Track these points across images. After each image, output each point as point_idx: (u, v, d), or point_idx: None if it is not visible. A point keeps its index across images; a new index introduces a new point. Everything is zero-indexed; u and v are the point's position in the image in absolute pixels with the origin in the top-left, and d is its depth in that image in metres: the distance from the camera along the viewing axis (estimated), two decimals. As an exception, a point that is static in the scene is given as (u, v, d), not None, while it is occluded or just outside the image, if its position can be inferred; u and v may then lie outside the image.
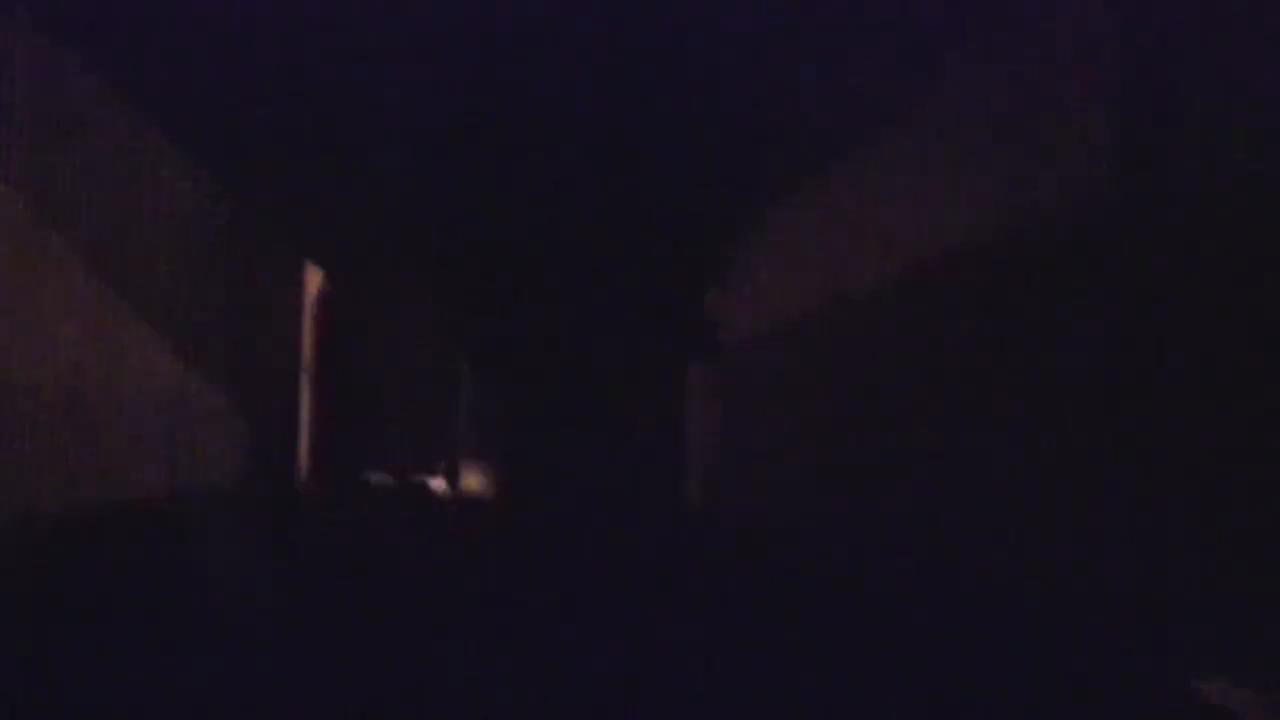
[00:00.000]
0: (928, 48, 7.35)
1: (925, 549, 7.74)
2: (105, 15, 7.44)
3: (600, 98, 8.25)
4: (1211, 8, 5.12)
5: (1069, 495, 5.92)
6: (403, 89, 8.50)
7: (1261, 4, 4.89)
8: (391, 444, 17.82)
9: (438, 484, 17.88)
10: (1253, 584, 4.65)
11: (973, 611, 6.62)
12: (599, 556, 11.09)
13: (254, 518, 13.67)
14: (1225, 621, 4.74)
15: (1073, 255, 5.96)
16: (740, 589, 8.52)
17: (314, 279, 17.33)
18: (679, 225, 13.81)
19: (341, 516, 15.51)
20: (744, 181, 11.58)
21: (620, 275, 16.27)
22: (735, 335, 15.15)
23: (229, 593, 7.91)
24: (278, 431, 15.72)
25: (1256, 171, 4.81)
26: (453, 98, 8.54)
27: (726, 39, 7.12)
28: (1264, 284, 4.75)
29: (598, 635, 6.53)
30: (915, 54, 7.46)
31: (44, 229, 7.80)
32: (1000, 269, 6.86)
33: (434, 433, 18.09)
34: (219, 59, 8.07)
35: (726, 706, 5.04)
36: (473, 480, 18.65)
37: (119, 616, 6.95)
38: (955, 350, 7.59)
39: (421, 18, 7.13)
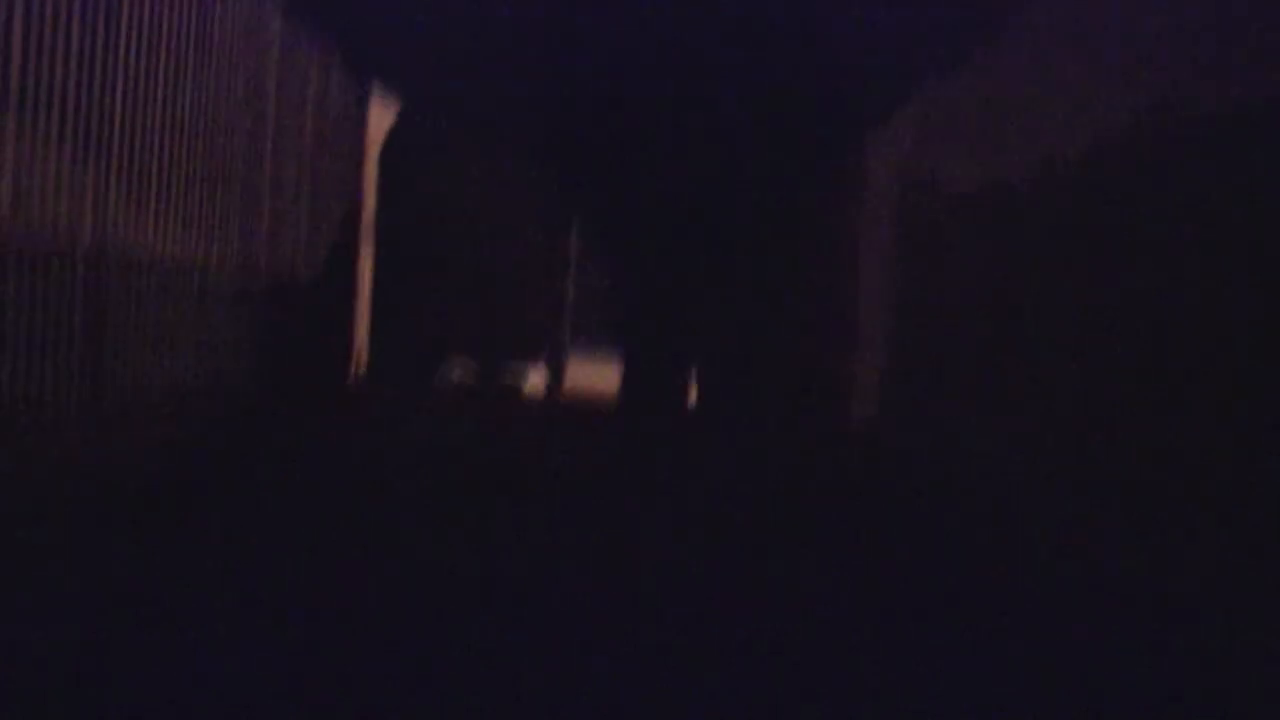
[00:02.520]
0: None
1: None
2: None
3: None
4: None
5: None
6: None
7: None
8: (479, 331, 14.03)
9: (536, 382, 14.08)
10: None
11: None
12: (732, 482, 9.42)
13: (292, 419, 10.04)
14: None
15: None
16: (897, 523, 7.89)
17: (381, 115, 13.42)
18: (830, 96, 12.11)
19: (407, 418, 11.85)
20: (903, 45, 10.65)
21: (772, 135, 12.46)
22: (891, 226, 11.38)
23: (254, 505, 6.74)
24: (326, 311, 11.99)
25: None
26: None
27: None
28: None
29: (724, 576, 5.89)
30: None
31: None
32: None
33: (535, 319, 14.27)
34: None
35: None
36: (582, 380, 14.88)
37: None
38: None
39: None
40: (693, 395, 13.47)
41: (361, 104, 12.80)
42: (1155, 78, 6.86)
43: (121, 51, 7.07)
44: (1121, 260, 7.14)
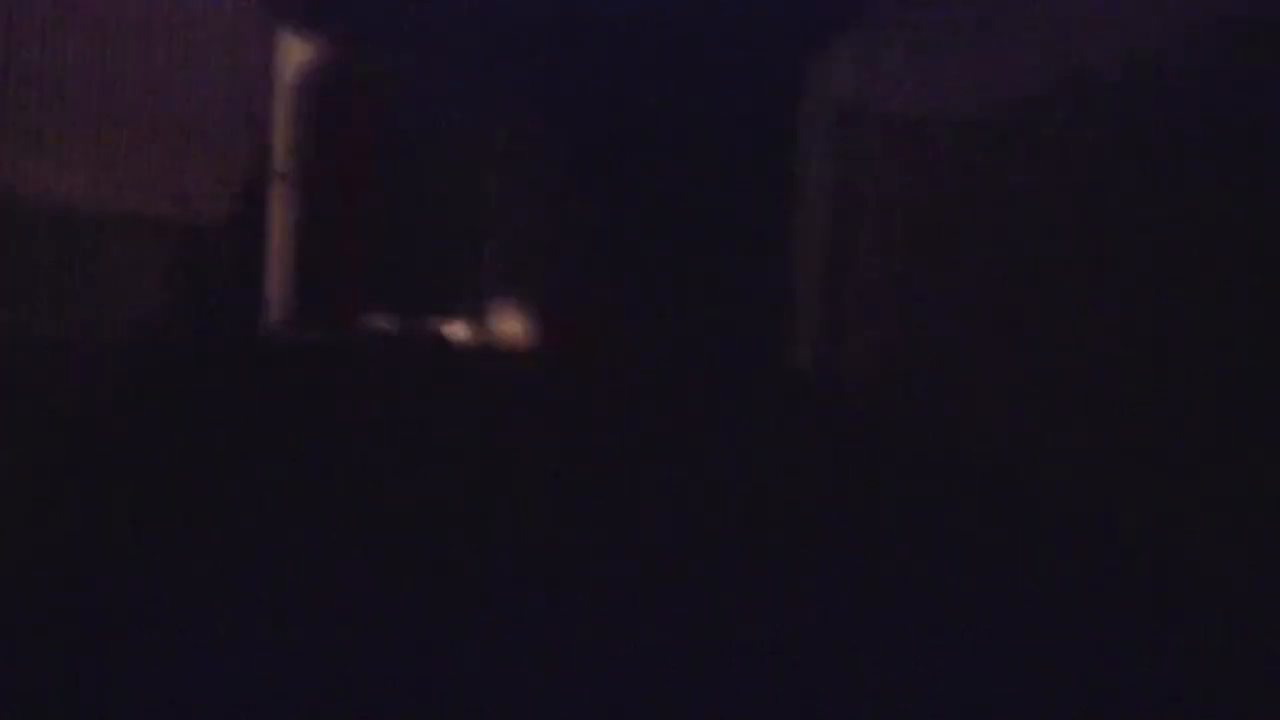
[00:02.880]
0: None
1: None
2: None
3: None
4: None
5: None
6: None
7: None
8: (399, 277, 13.34)
9: (459, 330, 13.42)
10: None
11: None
12: (676, 430, 8.88)
13: (197, 372, 9.36)
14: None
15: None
16: (853, 471, 7.39)
17: (292, 43, 12.67)
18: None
19: (323, 370, 11.20)
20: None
21: (730, 54, 11.75)
22: (863, 153, 10.77)
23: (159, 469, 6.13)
24: (233, 258, 11.26)
25: None
26: None
27: None
28: None
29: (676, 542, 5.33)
30: None
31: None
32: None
33: (459, 263, 13.59)
34: None
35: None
36: (509, 327, 14.23)
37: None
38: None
39: None
40: (626, 346, 12.86)
41: (270, 34, 12.04)
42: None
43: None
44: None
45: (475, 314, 13.71)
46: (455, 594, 4.59)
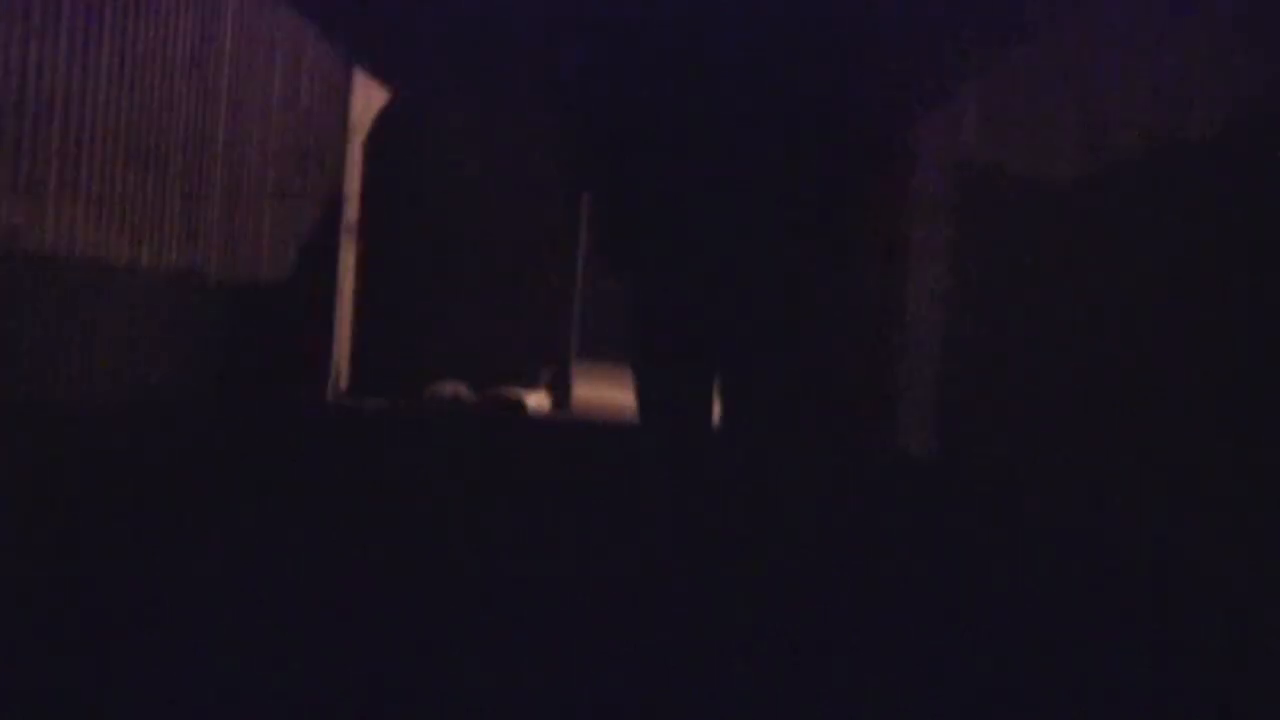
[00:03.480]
0: None
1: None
2: None
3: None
4: None
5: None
6: None
7: None
8: (477, 340, 12.40)
9: (538, 400, 12.43)
10: None
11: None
12: (773, 515, 7.55)
13: (258, 445, 8.49)
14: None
15: None
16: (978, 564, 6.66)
17: (367, 94, 11.77)
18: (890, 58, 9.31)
19: (391, 439, 10.25)
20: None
21: (819, 117, 10.73)
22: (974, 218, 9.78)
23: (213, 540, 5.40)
24: (300, 318, 10.36)
25: None
26: None
27: None
28: None
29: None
30: None
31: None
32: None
33: (539, 329, 12.65)
34: None
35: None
36: (591, 398, 13.20)
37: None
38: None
39: None
40: (718, 412, 11.78)
41: (345, 79, 11.16)
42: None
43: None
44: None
45: (558, 380, 12.73)
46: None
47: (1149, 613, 5.61)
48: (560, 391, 12.77)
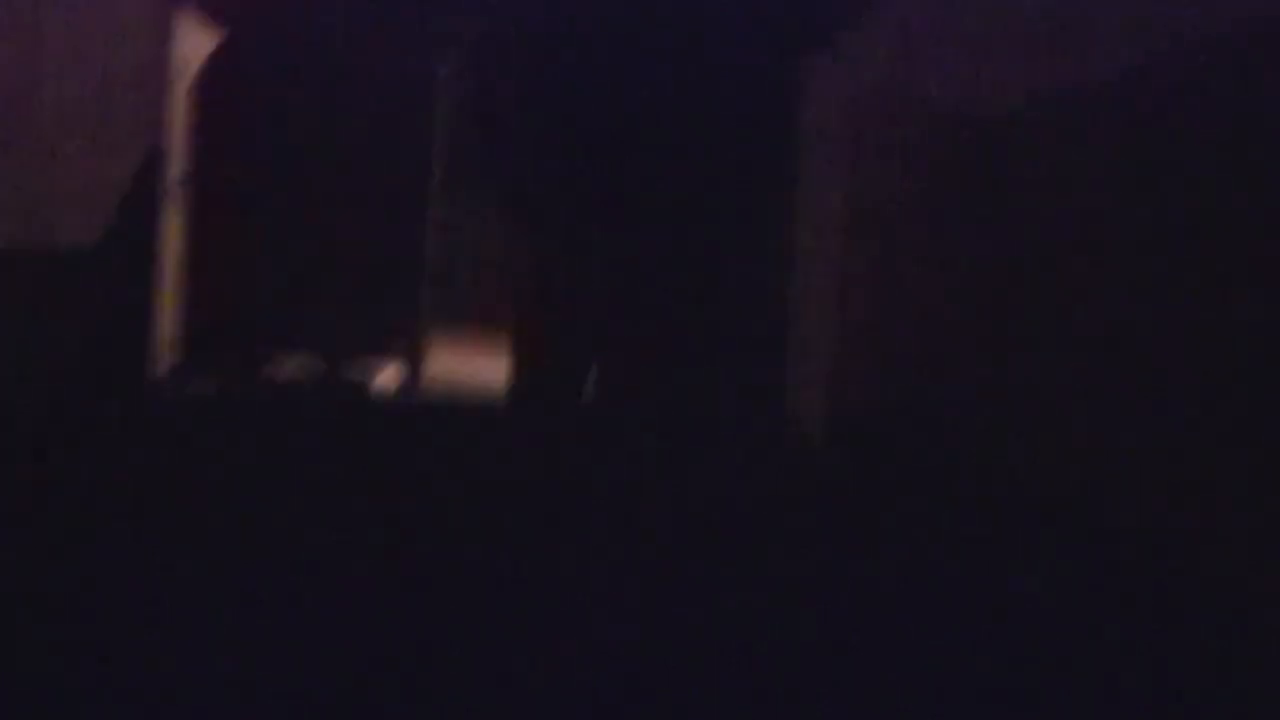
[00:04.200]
0: None
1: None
2: None
3: None
4: None
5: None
6: None
7: None
8: (317, 314, 11.16)
9: (388, 376, 11.22)
10: None
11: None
12: (653, 492, 7.70)
13: (67, 437, 7.69)
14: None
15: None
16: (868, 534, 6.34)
17: (193, 34, 10.41)
18: None
19: (222, 427, 9.22)
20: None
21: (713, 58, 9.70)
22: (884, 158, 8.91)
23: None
24: (114, 288, 9.09)
25: None
26: None
27: None
28: None
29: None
30: None
31: None
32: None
33: (390, 296, 11.45)
34: None
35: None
36: (447, 370, 12.02)
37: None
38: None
39: None
40: (592, 389, 10.73)
41: (165, 15, 9.79)
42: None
43: None
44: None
45: (412, 355, 11.52)
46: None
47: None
48: (413, 365, 11.57)
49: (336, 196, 11.08)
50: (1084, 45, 6.57)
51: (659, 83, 9.75)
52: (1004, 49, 7.45)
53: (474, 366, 12.61)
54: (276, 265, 10.90)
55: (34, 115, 7.46)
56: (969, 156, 8.15)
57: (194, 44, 10.43)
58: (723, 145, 10.13)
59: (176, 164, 10.28)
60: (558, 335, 10.43)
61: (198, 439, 8.86)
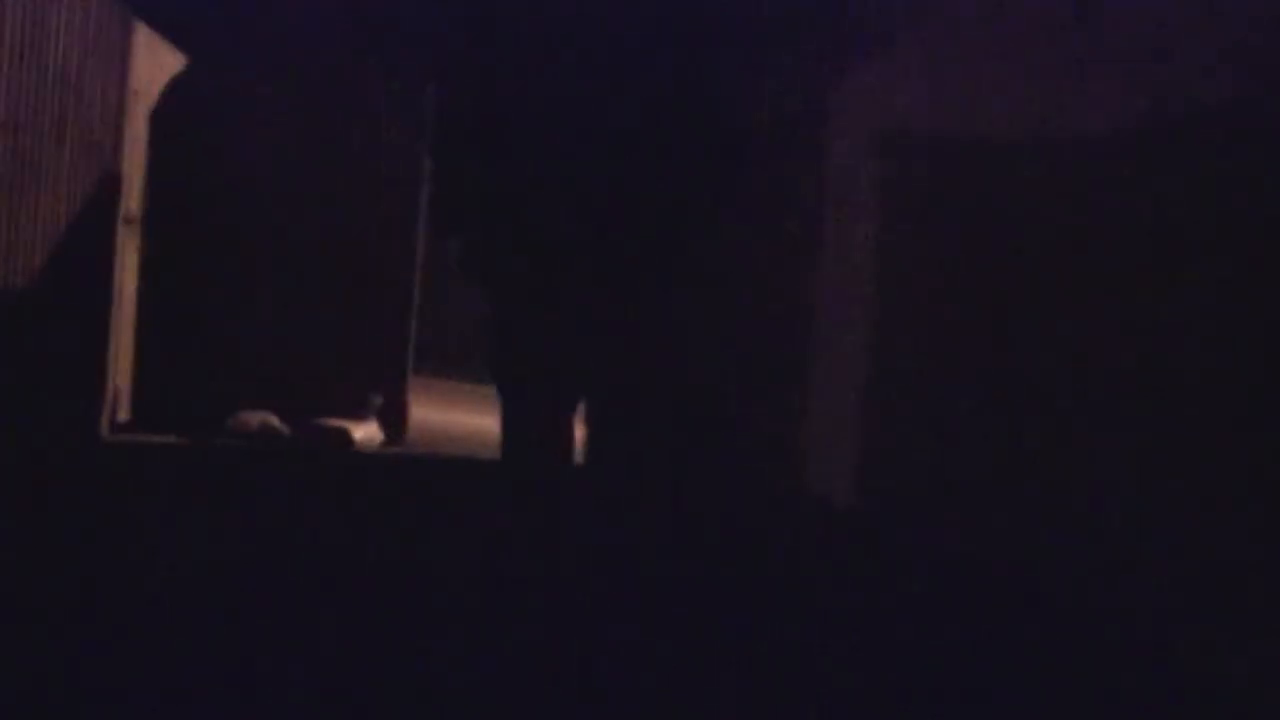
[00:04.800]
0: None
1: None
2: None
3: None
4: None
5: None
6: None
7: None
8: (291, 361, 10.28)
9: (368, 431, 10.33)
10: None
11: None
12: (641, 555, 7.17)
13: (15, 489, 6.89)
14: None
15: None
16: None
17: (154, 56, 9.55)
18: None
19: (179, 490, 8.23)
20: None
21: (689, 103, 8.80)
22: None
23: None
24: (65, 332, 8.22)
25: None
26: None
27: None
28: None
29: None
30: None
31: None
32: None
33: (368, 345, 10.60)
34: None
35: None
36: (431, 423, 11.17)
37: None
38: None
39: None
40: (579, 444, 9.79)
41: (124, 36, 8.93)
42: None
43: None
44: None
45: (391, 405, 10.61)
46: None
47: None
48: (395, 419, 10.66)
49: (311, 232, 10.19)
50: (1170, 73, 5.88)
51: (647, 110, 8.81)
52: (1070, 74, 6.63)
53: (459, 416, 11.76)
54: (242, 309, 10.00)
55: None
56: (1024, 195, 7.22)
57: (155, 66, 9.58)
58: (714, 188, 9.24)
59: (134, 196, 9.42)
60: (543, 386, 9.48)
61: (150, 494, 8.00)
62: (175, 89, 9.92)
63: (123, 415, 9.50)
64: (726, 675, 5.04)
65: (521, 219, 8.58)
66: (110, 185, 8.83)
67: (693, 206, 8.86)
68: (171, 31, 9.65)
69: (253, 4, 9.92)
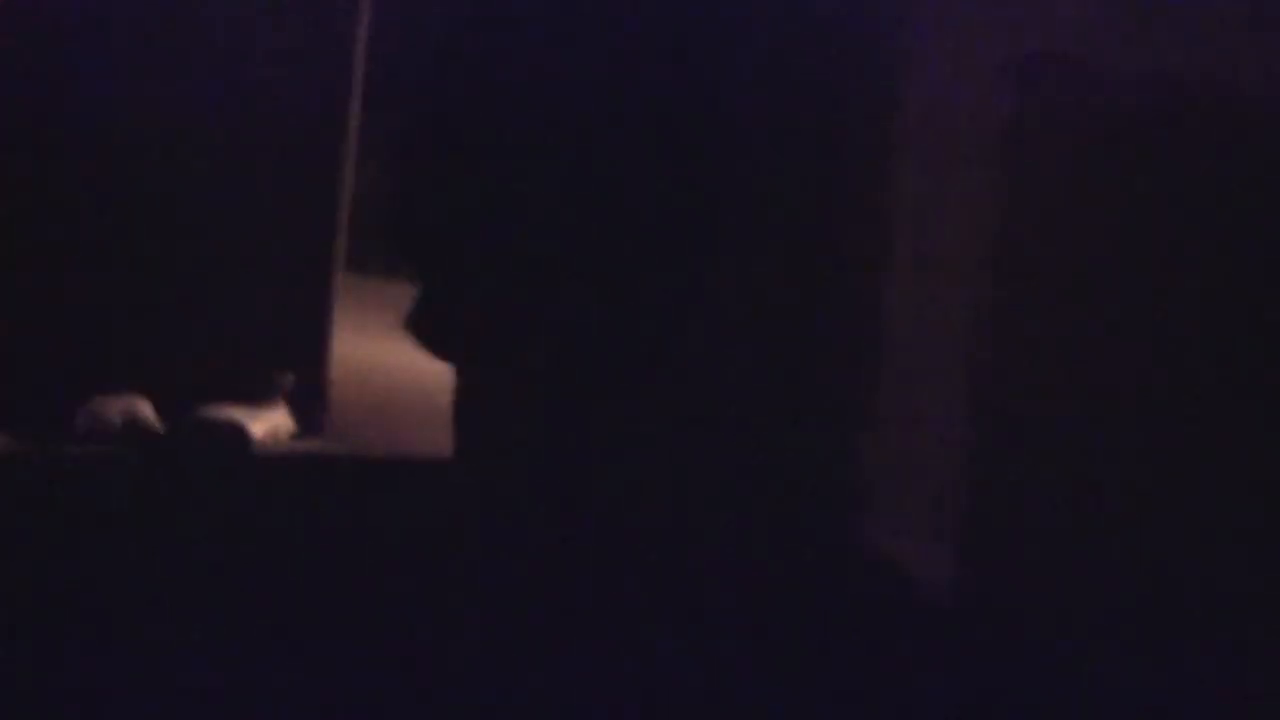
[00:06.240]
0: None
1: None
2: None
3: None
4: None
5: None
6: None
7: None
8: (167, 333, 8.04)
9: (272, 424, 8.14)
10: None
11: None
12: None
13: None
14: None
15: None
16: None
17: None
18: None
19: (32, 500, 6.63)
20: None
21: None
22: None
23: None
24: None
25: None
26: None
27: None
28: None
29: None
30: None
31: None
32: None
33: (272, 312, 8.36)
34: None
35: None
36: (360, 402, 8.83)
37: None
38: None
39: None
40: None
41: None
42: None
43: None
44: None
45: (304, 389, 8.35)
46: None
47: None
48: (310, 407, 8.42)
49: (197, 169, 7.92)
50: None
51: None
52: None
53: (394, 395, 9.48)
54: (99, 272, 7.81)
55: None
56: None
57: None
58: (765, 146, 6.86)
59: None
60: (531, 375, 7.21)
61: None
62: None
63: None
64: None
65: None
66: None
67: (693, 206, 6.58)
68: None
69: None
